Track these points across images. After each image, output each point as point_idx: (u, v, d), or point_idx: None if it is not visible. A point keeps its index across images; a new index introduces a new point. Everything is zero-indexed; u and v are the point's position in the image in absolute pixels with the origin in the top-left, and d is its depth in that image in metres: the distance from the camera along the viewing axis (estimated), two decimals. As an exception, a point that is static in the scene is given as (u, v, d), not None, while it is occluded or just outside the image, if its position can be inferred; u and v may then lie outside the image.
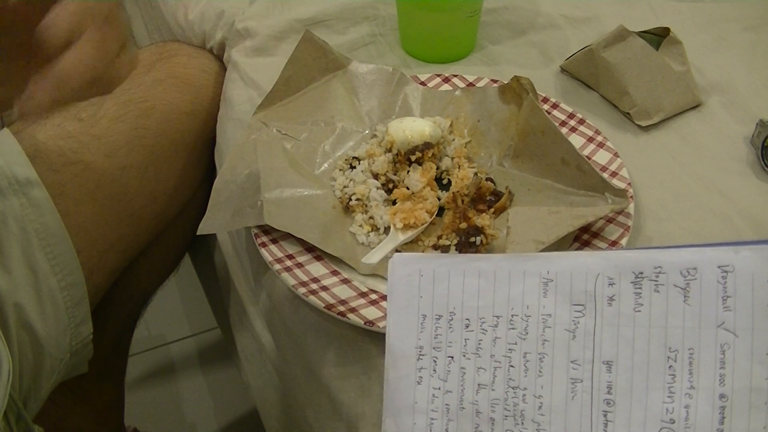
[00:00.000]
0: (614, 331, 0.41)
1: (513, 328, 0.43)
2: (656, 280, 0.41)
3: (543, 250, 0.56)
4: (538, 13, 0.88)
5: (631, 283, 0.41)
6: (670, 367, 0.40)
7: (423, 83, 0.77)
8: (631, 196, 0.63)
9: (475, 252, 0.61)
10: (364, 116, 0.75)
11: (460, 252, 0.61)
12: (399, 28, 0.85)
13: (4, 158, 0.66)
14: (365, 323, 0.56)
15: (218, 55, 0.88)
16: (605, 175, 0.64)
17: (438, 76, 0.78)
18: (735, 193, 0.67)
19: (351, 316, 0.57)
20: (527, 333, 0.43)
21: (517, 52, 0.83)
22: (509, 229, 0.59)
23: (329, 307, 0.58)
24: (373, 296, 0.59)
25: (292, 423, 0.70)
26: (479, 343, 0.44)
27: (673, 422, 0.39)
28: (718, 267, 0.40)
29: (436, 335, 0.45)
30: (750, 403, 0.38)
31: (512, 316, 0.44)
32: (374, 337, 0.58)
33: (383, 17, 0.88)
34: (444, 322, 0.45)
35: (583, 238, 0.62)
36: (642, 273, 0.41)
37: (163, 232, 0.82)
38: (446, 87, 0.76)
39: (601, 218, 0.61)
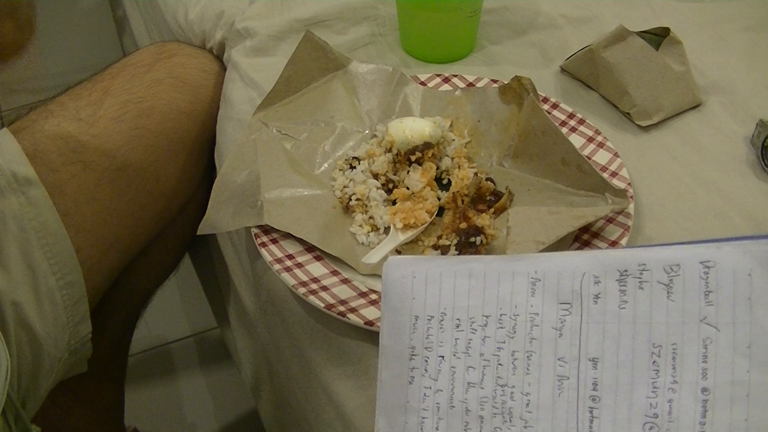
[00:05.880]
0: (600, 328, 0.42)
1: (502, 327, 0.44)
2: (640, 277, 0.41)
3: (543, 251, 0.56)
4: (538, 13, 0.88)
5: (616, 280, 0.42)
6: (654, 362, 0.40)
7: (423, 83, 0.77)
8: (631, 196, 0.63)
9: (475, 252, 0.61)
10: (364, 116, 0.75)
11: (460, 252, 0.61)
12: (399, 28, 0.85)
13: (3, 157, 0.67)
14: (365, 323, 0.56)
15: (218, 55, 0.88)
16: (605, 175, 0.64)
17: (438, 76, 0.77)
18: (735, 193, 0.67)
19: (351, 316, 0.57)
20: (515, 332, 0.43)
21: (517, 52, 0.83)
22: (509, 230, 0.59)
23: (329, 307, 0.58)
24: (373, 296, 0.59)
25: (291, 423, 0.70)
26: (469, 343, 0.44)
27: (657, 417, 0.40)
28: (700, 263, 0.40)
29: (428, 335, 0.45)
30: (732, 396, 0.39)
31: (501, 315, 0.44)
32: (374, 337, 0.57)
33: (383, 17, 0.88)
34: (435, 323, 0.45)
35: (583, 238, 0.62)
36: (626, 270, 0.41)
37: (162, 231, 0.82)
38: (446, 87, 0.76)
39: (601, 218, 0.61)
